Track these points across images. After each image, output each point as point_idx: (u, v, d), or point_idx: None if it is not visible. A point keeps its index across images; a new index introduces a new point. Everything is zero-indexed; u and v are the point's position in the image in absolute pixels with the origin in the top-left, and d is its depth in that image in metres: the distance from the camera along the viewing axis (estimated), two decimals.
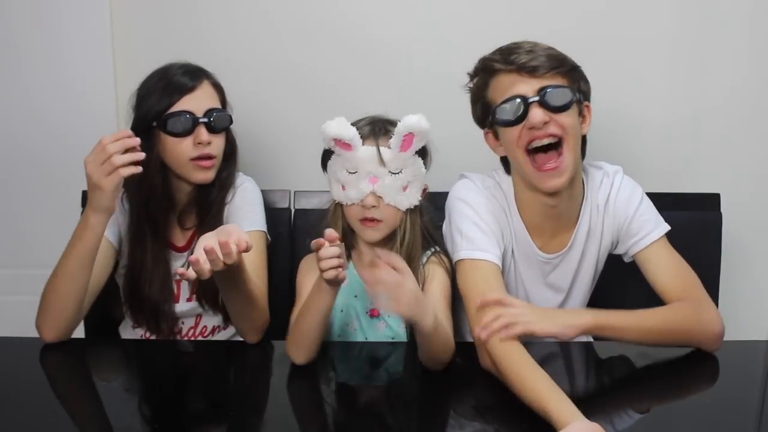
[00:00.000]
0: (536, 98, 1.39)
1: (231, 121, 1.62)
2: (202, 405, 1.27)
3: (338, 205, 1.51)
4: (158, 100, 1.55)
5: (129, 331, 1.68)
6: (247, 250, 1.29)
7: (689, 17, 1.97)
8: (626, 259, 1.55)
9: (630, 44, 1.96)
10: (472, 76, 1.50)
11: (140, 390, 1.38)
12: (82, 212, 1.50)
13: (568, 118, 1.41)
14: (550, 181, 1.42)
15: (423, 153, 1.49)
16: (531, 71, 1.40)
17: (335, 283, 1.33)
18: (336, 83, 2.02)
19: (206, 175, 1.58)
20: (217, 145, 1.58)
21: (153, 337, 1.64)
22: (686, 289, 1.44)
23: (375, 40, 2.00)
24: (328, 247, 1.29)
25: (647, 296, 1.48)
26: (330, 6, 1.99)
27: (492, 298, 1.36)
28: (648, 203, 1.54)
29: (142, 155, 1.38)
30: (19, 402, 1.27)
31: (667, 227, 1.51)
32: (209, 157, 1.56)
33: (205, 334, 1.67)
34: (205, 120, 1.55)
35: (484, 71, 1.47)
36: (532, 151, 1.42)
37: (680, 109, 2.01)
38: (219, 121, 1.58)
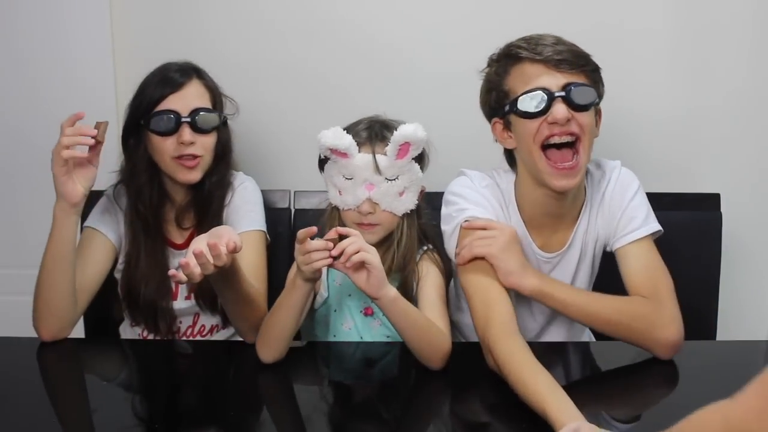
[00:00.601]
0: (561, 93, 1.37)
1: (219, 122, 1.60)
2: (201, 405, 1.27)
3: (335, 208, 1.51)
4: (145, 98, 1.56)
5: (129, 332, 1.68)
6: (236, 250, 1.29)
7: (690, 17, 1.97)
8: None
9: (630, 44, 1.96)
10: (493, 61, 1.47)
11: (139, 390, 1.38)
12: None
13: (587, 117, 1.40)
14: (563, 180, 1.40)
15: (420, 157, 1.48)
16: (557, 65, 1.38)
17: (312, 279, 1.33)
18: (336, 83, 2.02)
19: (190, 176, 1.56)
20: (202, 145, 1.56)
21: (151, 336, 1.64)
22: (654, 290, 1.41)
23: (375, 40, 2.00)
24: (311, 241, 1.28)
25: None
26: (330, 6, 1.99)
27: (478, 223, 1.43)
28: (641, 200, 1.51)
29: (89, 141, 1.42)
30: (17, 402, 1.27)
31: (654, 228, 1.47)
32: (192, 157, 1.55)
33: (204, 333, 1.67)
34: (188, 119, 1.54)
35: (508, 58, 1.43)
36: (546, 147, 1.40)
37: (680, 108, 2.01)
38: (204, 122, 1.56)
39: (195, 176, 1.57)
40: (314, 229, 1.29)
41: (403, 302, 1.35)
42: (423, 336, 1.36)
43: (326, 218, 1.53)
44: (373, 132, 1.47)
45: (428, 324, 1.38)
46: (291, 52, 2.01)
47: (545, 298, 1.39)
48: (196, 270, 1.26)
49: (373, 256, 1.30)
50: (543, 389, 1.19)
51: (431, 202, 1.58)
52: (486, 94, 1.49)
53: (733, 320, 1.97)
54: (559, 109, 1.37)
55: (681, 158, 2.03)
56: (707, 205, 1.87)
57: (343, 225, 1.49)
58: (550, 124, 1.38)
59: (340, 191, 1.47)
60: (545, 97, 1.37)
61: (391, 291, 1.34)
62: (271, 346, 1.37)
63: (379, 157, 1.43)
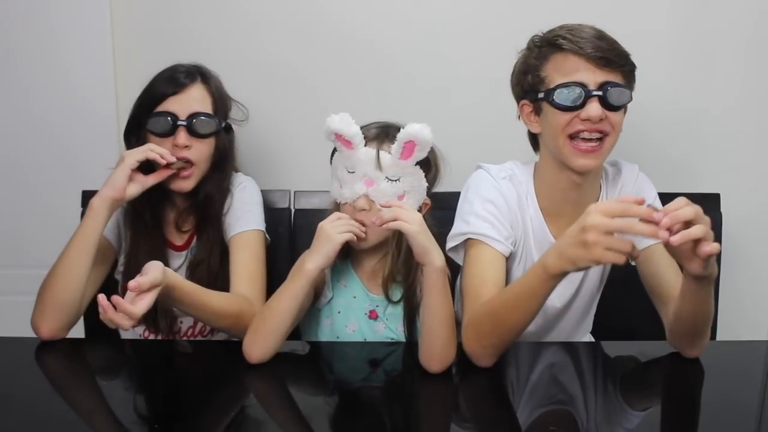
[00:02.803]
0: (599, 93, 1.38)
1: (218, 128, 1.58)
2: (201, 405, 1.27)
3: (337, 206, 1.50)
4: (148, 97, 1.56)
5: (129, 332, 1.67)
6: (138, 289, 1.25)
7: (690, 17, 1.97)
8: (631, 261, 1.53)
9: (630, 44, 1.95)
10: (534, 44, 1.46)
11: (139, 390, 1.38)
12: (82, 212, 1.51)
13: (619, 116, 1.42)
14: (584, 160, 1.41)
15: (427, 167, 1.47)
16: (598, 62, 1.38)
17: (324, 265, 1.34)
18: (337, 84, 2.02)
19: (182, 184, 1.56)
20: (198, 150, 1.55)
21: (152, 336, 1.64)
22: None
23: (377, 41, 2.00)
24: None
25: (647, 301, 1.48)
26: (331, 7, 1.99)
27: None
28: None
29: (166, 159, 1.49)
30: (16, 402, 1.27)
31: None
32: (187, 162, 1.54)
33: (204, 333, 1.66)
34: (185, 123, 1.53)
35: (549, 45, 1.43)
36: (574, 138, 1.41)
37: (680, 109, 2.01)
38: (201, 126, 1.54)
39: (187, 185, 1.56)
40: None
41: (445, 279, 1.33)
42: (444, 327, 1.32)
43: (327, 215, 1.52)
44: (384, 131, 1.46)
45: (453, 318, 1.35)
46: (291, 53, 2.01)
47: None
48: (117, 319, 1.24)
49: (409, 225, 1.30)
50: (514, 288, 1.30)
51: (442, 203, 1.57)
52: (521, 75, 1.49)
53: (733, 320, 1.97)
54: (594, 108, 1.38)
55: (681, 158, 2.03)
56: (707, 205, 1.84)
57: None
58: (582, 120, 1.39)
59: (341, 184, 1.46)
60: (582, 93, 1.38)
61: (437, 260, 1.31)
62: (263, 341, 1.33)
63: (382, 153, 1.42)
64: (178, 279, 1.37)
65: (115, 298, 1.23)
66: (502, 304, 1.31)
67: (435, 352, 1.32)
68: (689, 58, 1.99)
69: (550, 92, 1.41)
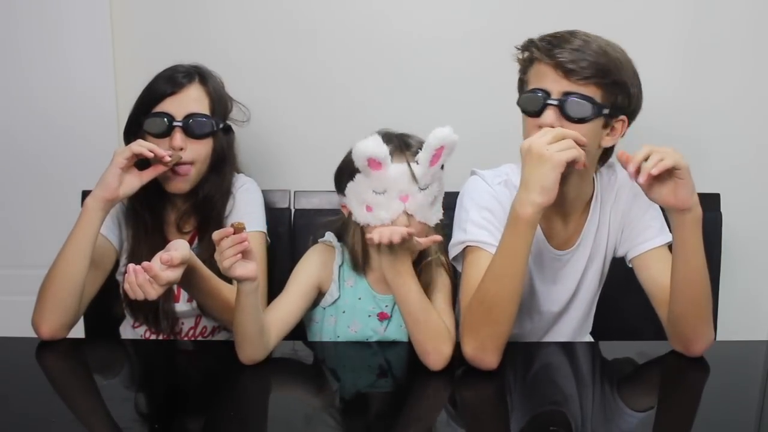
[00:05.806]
0: (555, 102, 1.36)
1: (215, 129, 1.57)
2: (202, 405, 1.27)
3: (358, 227, 1.44)
4: (146, 97, 1.56)
5: (129, 331, 1.68)
6: (170, 263, 1.27)
7: (691, 17, 1.97)
8: (629, 263, 1.54)
9: (630, 44, 1.96)
10: (520, 50, 1.46)
11: (139, 389, 1.38)
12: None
13: (583, 129, 1.37)
14: None
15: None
16: (566, 72, 1.36)
17: (243, 279, 1.28)
18: (336, 83, 2.02)
19: (178, 185, 1.55)
20: (194, 151, 1.54)
21: (153, 337, 1.64)
22: None
23: (376, 40, 2.00)
24: (228, 238, 1.24)
25: (647, 301, 1.48)
26: (331, 6, 2.00)
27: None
28: (656, 210, 1.51)
29: (156, 154, 1.46)
30: (17, 402, 1.27)
31: (670, 237, 1.45)
32: (182, 163, 1.54)
33: (206, 335, 1.67)
34: (180, 123, 1.53)
35: (529, 54, 1.43)
36: None
37: (680, 109, 2.01)
38: (197, 127, 1.54)
39: (183, 186, 1.56)
40: (230, 230, 1.24)
41: (407, 280, 1.35)
42: (421, 316, 1.35)
43: (349, 240, 1.51)
44: (398, 142, 1.40)
45: (428, 307, 1.36)
46: (291, 52, 2.01)
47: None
48: (144, 291, 1.26)
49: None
50: (497, 258, 1.33)
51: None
52: (519, 76, 1.50)
53: (732, 320, 1.98)
54: (548, 116, 1.37)
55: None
56: (707, 205, 1.85)
57: (367, 247, 1.47)
58: (539, 127, 1.37)
59: (369, 207, 1.36)
60: (541, 100, 1.38)
61: (391, 273, 1.35)
62: (242, 348, 1.35)
63: (413, 165, 1.35)
64: (199, 263, 1.40)
65: (146, 263, 1.26)
66: (488, 279, 1.33)
67: (426, 346, 1.35)
68: (688, 60, 1.99)
69: (519, 96, 1.44)
